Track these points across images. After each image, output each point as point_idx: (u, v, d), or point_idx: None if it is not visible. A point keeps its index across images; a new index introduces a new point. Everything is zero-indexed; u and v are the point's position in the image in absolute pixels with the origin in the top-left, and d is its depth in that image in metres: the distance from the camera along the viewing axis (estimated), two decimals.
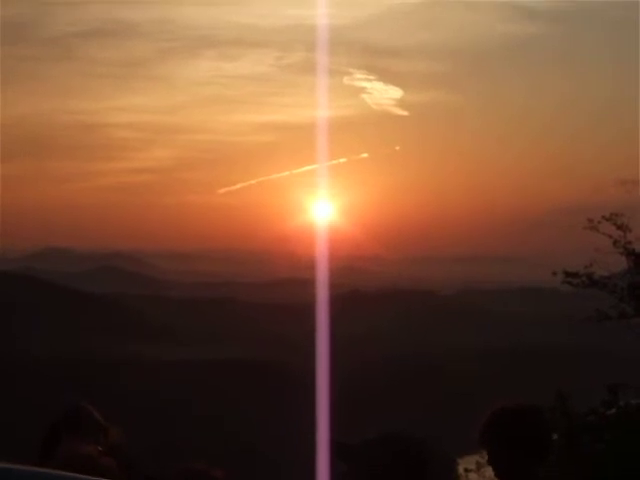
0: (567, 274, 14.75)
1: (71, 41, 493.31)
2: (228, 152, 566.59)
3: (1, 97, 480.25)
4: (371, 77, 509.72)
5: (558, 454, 12.45)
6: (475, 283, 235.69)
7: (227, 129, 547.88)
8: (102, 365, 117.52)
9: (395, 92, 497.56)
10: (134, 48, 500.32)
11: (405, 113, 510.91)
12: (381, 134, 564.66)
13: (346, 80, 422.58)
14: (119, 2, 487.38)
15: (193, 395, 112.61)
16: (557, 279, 14.87)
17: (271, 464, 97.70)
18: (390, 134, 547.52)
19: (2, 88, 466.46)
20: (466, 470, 15.47)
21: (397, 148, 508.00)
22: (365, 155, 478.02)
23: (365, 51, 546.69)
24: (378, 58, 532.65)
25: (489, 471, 4.85)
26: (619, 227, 14.45)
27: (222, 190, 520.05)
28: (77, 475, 4.11)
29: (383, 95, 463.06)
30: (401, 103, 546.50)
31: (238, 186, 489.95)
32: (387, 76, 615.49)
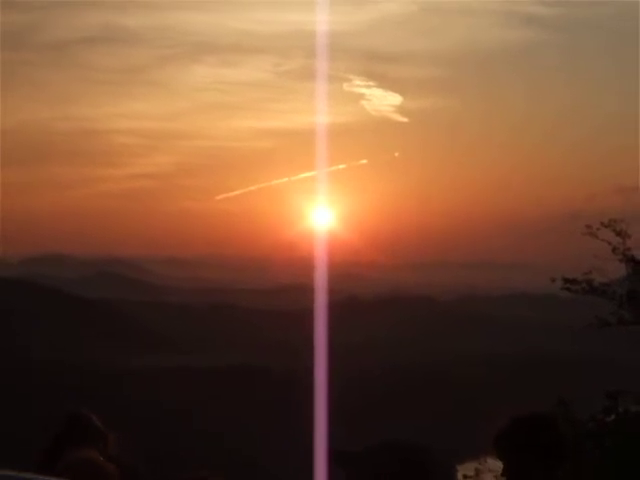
0: (566, 280, 14.74)
1: (71, 47, 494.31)
2: (227, 158, 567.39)
3: (1, 103, 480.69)
4: (370, 83, 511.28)
5: None
6: (475, 290, 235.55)
7: (226, 135, 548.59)
8: (101, 372, 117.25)
9: (394, 98, 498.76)
10: (134, 54, 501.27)
11: (404, 119, 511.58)
12: (380, 140, 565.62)
13: (345, 86, 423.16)
14: (119, 8, 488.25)
15: (193, 404, 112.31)
16: (556, 285, 14.85)
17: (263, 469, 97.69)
18: (389, 140, 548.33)
19: (2, 94, 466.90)
20: (465, 477, 15.44)
21: (396, 154, 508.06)
22: (364, 161, 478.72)
23: (364, 57, 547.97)
24: (377, 64, 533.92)
25: (488, 478, 4.88)
26: (618, 233, 14.45)
27: (220, 196, 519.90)
28: None
29: (382, 101, 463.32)
30: (400, 109, 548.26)
31: (237, 192, 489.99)
32: (386, 82, 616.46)
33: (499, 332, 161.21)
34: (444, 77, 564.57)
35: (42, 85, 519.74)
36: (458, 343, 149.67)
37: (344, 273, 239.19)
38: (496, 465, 5.09)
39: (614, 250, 14.45)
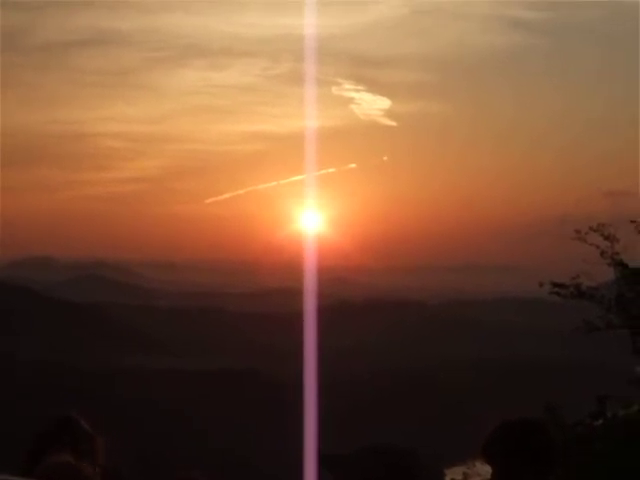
0: (554, 285, 14.73)
1: (59, 50, 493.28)
2: (216, 162, 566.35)
3: None
4: (359, 87, 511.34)
5: None
6: (463, 294, 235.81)
7: (216, 139, 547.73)
8: (90, 374, 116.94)
9: (383, 102, 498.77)
10: (122, 57, 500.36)
11: (393, 123, 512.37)
12: (369, 144, 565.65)
13: (334, 90, 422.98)
14: (108, 11, 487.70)
15: (184, 405, 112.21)
16: (545, 290, 14.85)
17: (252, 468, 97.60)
18: (378, 144, 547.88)
19: None
20: None
21: (385, 158, 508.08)
22: (353, 165, 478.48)
23: (353, 61, 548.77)
24: (366, 68, 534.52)
25: None
26: (606, 238, 14.46)
27: (209, 200, 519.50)
28: None
29: (371, 105, 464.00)
30: (389, 113, 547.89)
31: (226, 196, 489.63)
32: (375, 86, 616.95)
33: (487, 336, 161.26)
34: (433, 81, 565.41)
35: (31, 88, 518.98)
36: (447, 347, 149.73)
37: (333, 277, 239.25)
38: (484, 469, 5.07)
39: (602, 254, 14.47)
